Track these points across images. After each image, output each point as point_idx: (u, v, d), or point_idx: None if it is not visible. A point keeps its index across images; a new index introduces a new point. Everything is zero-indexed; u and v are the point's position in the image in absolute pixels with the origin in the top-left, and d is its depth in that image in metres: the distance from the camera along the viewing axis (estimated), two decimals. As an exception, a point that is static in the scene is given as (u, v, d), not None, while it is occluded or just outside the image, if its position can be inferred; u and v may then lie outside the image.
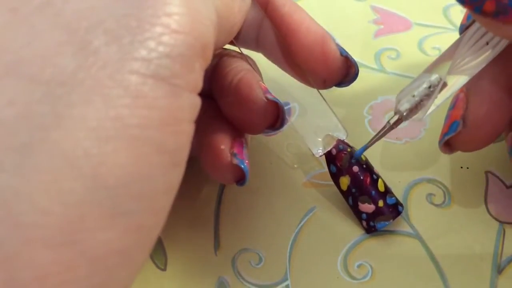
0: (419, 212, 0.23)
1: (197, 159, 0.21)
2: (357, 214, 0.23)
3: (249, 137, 0.23)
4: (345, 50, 0.22)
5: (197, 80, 0.16)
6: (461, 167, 0.25)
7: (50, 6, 0.14)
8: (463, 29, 0.21)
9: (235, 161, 0.20)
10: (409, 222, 0.23)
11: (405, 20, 0.31)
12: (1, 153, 0.12)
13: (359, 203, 0.22)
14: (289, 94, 0.23)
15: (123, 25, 0.14)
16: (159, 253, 0.23)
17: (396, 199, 0.23)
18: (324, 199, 0.24)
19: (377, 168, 0.23)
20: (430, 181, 0.24)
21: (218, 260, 0.22)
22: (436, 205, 0.24)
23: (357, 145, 0.23)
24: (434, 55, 0.29)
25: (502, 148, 0.25)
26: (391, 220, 0.22)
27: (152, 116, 0.14)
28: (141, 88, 0.14)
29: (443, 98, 0.20)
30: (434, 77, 0.20)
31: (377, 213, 0.22)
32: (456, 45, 0.20)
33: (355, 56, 0.23)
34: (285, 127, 0.22)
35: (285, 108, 0.21)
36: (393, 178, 0.24)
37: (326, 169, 0.23)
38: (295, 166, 0.25)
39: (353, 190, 0.22)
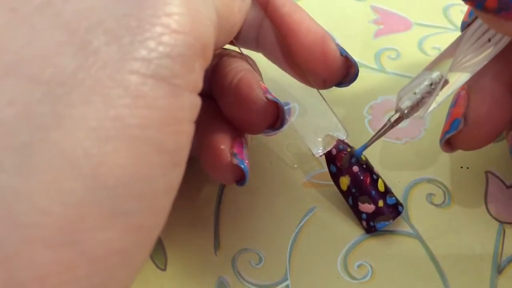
0: (419, 212, 0.23)
1: (197, 159, 0.21)
2: (357, 214, 0.23)
3: (249, 137, 0.23)
4: (345, 50, 0.22)
5: (197, 80, 0.16)
6: (461, 167, 0.25)
7: (50, 6, 0.14)
8: (465, 26, 0.21)
9: (235, 161, 0.20)
10: (409, 222, 0.23)
11: (405, 20, 0.31)
12: (1, 153, 0.12)
13: (359, 203, 0.22)
14: (289, 94, 0.23)
15: (123, 25, 0.14)
16: (159, 253, 0.23)
17: (396, 199, 0.23)
18: (324, 199, 0.24)
19: (377, 168, 0.23)
20: (430, 181, 0.24)
21: (218, 260, 0.22)
22: (436, 205, 0.24)
23: (357, 145, 0.23)
24: (434, 55, 0.29)
25: (502, 148, 0.25)
26: (391, 220, 0.22)
27: (152, 116, 0.14)
28: (141, 88, 0.14)
29: (444, 95, 0.20)
30: (435, 74, 0.20)
31: (377, 213, 0.22)
32: (457, 42, 0.20)
33: (355, 56, 0.23)
34: (285, 127, 0.22)
35: (285, 108, 0.21)
36: (393, 178, 0.24)
37: (326, 169, 0.23)
38: (295, 166, 0.25)
39: (353, 190, 0.22)
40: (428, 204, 0.24)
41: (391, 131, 0.21)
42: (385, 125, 0.21)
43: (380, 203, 0.22)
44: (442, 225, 0.23)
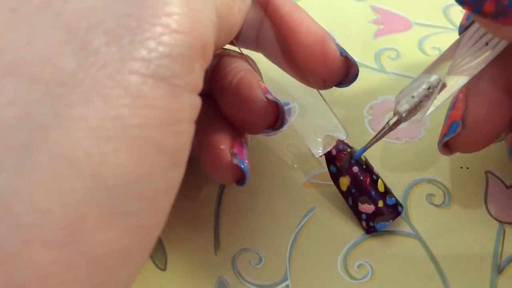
0: (419, 212, 0.23)
1: (197, 159, 0.21)
2: (357, 214, 0.23)
3: (249, 137, 0.23)
4: (345, 50, 0.22)
5: (197, 80, 0.16)
6: (461, 167, 0.25)
7: (50, 6, 0.14)
8: (463, 29, 0.21)
9: (235, 161, 0.20)
10: (409, 222, 0.23)
11: (405, 20, 0.31)
12: (1, 153, 0.12)
13: (359, 204, 0.22)
14: (289, 94, 0.23)
15: (123, 25, 0.14)
16: (159, 253, 0.23)
17: (396, 199, 0.23)
18: (324, 199, 0.24)
19: (377, 168, 0.23)
20: (430, 181, 0.24)
21: (218, 260, 0.22)
22: (436, 205, 0.24)
23: (357, 145, 0.23)
24: (434, 55, 0.29)
25: (502, 148, 0.25)
26: (391, 221, 0.22)
27: (152, 116, 0.14)
28: (141, 88, 0.14)
29: (442, 99, 0.20)
30: (433, 78, 0.20)
31: (377, 214, 0.22)
32: (455, 46, 0.20)
33: (355, 56, 0.23)
34: (285, 127, 0.22)
35: (285, 108, 0.21)
36: (393, 178, 0.24)
37: (326, 169, 0.23)
38: (295, 166, 0.25)
39: (353, 190, 0.22)
40: (428, 204, 0.24)
41: (391, 132, 0.21)
42: (383, 128, 0.21)
43: (380, 204, 0.22)
44: (442, 225, 0.23)
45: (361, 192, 0.22)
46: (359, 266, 0.22)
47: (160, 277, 0.22)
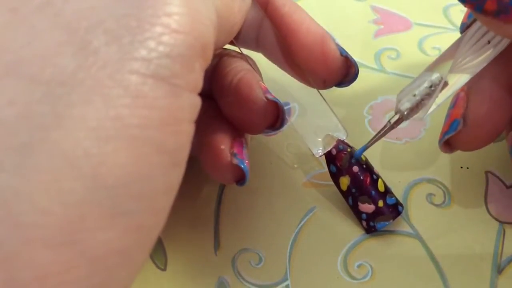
0: (419, 212, 0.23)
1: (197, 159, 0.21)
2: (357, 214, 0.23)
3: (249, 137, 0.23)
4: (345, 50, 0.22)
5: (197, 80, 0.16)
6: (461, 167, 0.25)
7: (50, 6, 0.14)
8: (464, 27, 0.21)
9: (235, 161, 0.20)
10: (409, 222, 0.23)
11: (405, 20, 0.31)
12: (1, 153, 0.12)
13: (359, 203, 0.22)
14: (289, 94, 0.23)
15: (123, 25, 0.14)
16: (159, 253, 0.23)
17: (396, 199, 0.23)
18: (324, 199, 0.24)
19: (377, 168, 0.23)
20: (430, 181, 0.24)
21: (218, 260, 0.22)
22: (436, 205, 0.24)
23: (357, 145, 0.23)
24: (434, 55, 0.29)
25: (502, 148, 0.25)
26: (391, 220, 0.22)
27: (152, 116, 0.14)
28: (141, 88, 0.14)
29: (444, 97, 0.20)
30: (435, 76, 0.20)
31: (377, 213, 0.22)
32: (457, 44, 0.20)
33: (355, 56, 0.23)
34: (285, 127, 0.22)
35: (285, 108, 0.21)
36: (393, 178, 0.24)
37: (326, 169, 0.23)
38: (295, 166, 0.25)
39: (353, 190, 0.22)
40: (428, 204, 0.24)
41: (391, 131, 0.21)
42: (384, 126, 0.21)
43: (380, 203, 0.22)
44: (442, 225, 0.23)
45: (361, 192, 0.22)
46: (359, 266, 0.22)
47: (160, 277, 0.22)
